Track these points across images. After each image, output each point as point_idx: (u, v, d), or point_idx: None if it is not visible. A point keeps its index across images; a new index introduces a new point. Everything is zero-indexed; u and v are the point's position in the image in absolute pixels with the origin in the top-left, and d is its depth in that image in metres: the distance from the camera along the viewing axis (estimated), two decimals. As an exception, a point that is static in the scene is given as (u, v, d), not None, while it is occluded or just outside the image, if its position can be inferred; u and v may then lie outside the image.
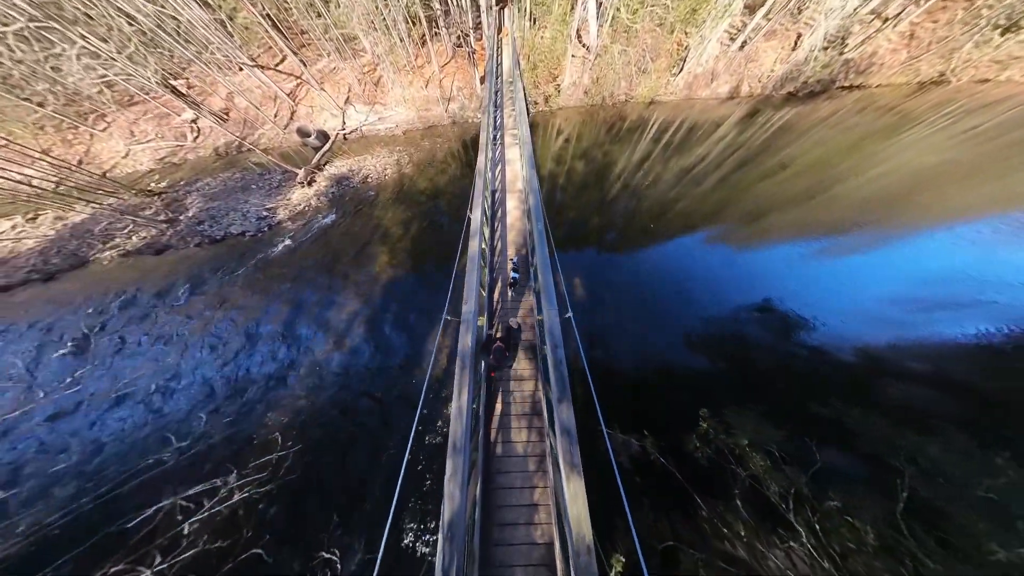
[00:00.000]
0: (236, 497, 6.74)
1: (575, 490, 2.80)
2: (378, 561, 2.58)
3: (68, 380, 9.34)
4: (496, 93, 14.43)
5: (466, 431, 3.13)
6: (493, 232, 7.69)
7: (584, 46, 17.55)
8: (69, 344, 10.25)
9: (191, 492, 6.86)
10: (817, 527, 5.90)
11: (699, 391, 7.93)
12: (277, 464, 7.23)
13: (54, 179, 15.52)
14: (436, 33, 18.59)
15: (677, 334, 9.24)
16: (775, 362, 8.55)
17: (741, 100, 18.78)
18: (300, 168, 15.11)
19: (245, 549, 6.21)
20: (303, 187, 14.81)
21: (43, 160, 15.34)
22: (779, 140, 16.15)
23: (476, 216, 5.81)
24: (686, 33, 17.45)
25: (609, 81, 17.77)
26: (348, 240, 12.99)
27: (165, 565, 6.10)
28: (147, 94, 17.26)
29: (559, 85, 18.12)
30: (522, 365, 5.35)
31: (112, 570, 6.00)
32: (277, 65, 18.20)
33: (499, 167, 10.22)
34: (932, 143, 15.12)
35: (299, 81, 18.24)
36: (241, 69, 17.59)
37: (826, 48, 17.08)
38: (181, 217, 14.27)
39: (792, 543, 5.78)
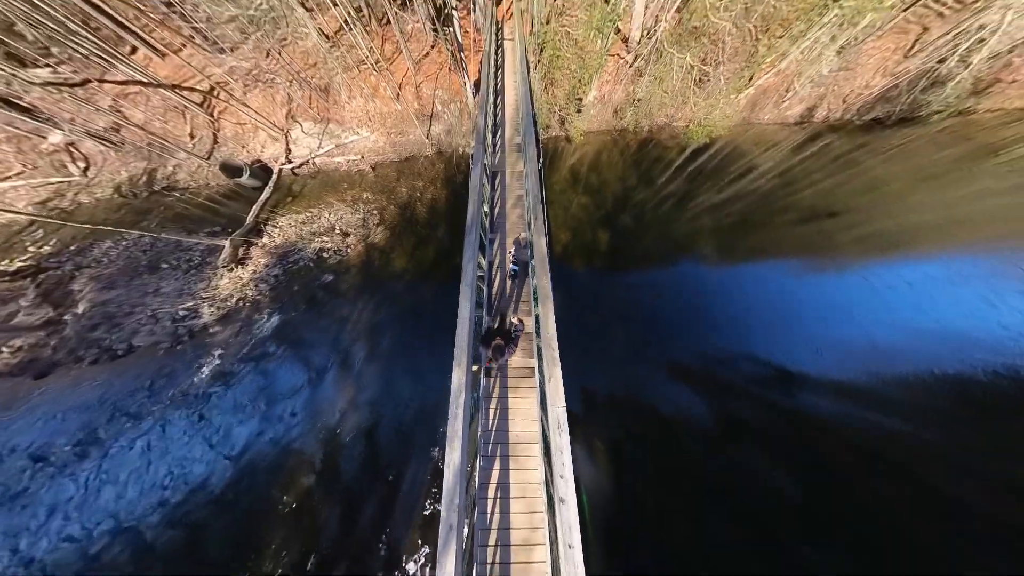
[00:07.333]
0: None
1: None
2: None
3: None
4: (494, 134, 9.79)
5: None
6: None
7: (624, 41, 12.26)
8: None
9: None
10: None
11: None
12: None
13: None
14: (405, 3, 12.89)
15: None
16: None
17: (811, 126, 14.59)
18: (224, 239, 10.87)
19: None
20: (232, 269, 10.77)
21: None
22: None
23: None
24: (774, 31, 12.11)
25: (655, 102, 12.53)
26: (297, 364, 9.52)
27: None
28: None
29: (581, 102, 12.91)
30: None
31: None
32: (175, 51, 12.52)
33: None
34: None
35: (205, 95, 12.84)
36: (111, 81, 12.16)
37: (964, 56, 12.10)
38: (66, 317, 10.36)
39: None
